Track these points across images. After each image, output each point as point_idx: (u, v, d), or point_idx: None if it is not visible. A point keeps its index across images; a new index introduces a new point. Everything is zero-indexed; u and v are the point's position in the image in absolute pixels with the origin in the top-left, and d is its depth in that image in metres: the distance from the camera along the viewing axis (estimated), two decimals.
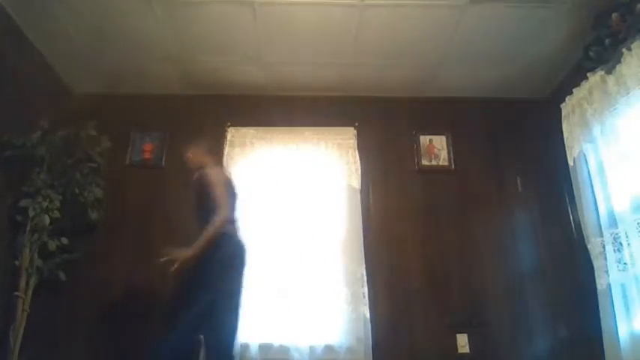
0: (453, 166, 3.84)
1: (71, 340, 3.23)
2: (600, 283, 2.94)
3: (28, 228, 3.00)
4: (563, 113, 3.46)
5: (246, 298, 3.30)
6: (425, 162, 3.86)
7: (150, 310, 3.33)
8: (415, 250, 3.58)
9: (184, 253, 2.58)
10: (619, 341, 2.73)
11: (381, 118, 3.99)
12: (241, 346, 3.16)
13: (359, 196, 3.67)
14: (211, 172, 2.85)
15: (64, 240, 3.15)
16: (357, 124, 3.91)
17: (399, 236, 3.62)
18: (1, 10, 3.06)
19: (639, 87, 2.74)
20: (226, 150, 3.80)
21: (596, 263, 2.99)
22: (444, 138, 3.92)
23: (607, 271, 2.90)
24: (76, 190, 3.22)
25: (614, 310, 2.80)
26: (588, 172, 3.19)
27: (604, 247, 2.95)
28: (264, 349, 3.19)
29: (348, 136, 3.87)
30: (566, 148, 3.39)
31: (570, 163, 3.34)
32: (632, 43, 2.79)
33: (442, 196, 3.75)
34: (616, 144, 2.94)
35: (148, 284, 3.39)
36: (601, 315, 2.88)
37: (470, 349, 3.29)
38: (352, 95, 4.04)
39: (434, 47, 3.52)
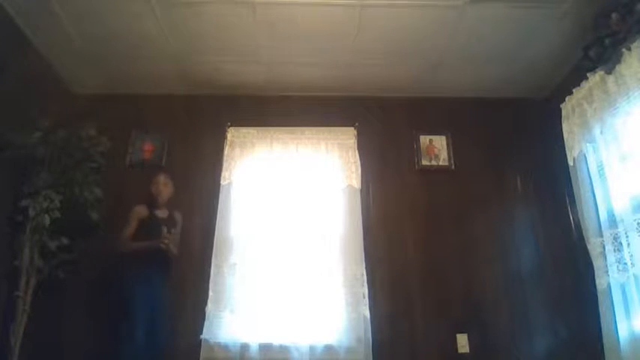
0: (452, 166, 3.84)
1: (71, 340, 3.23)
2: (600, 283, 2.94)
3: (28, 228, 3.00)
4: (563, 113, 3.46)
5: (247, 298, 3.33)
6: (425, 162, 3.86)
7: None
8: (415, 250, 3.58)
9: None
10: (619, 341, 2.73)
11: (381, 118, 4.00)
12: (241, 345, 3.18)
13: (359, 195, 3.67)
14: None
15: (64, 240, 3.15)
16: (357, 124, 3.91)
17: (399, 236, 3.62)
18: (1, 10, 3.06)
19: (639, 87, 2.75)
20: (226, 150, 3.81)
21: (596, 263, 2.99)
22: (444, 138, 3.92)
23: (607, 271, 2.90)
24: (77, 190, 3.22)
25: (614, 310, 2.80)
26: (588, 172, 3.19)
27: (604, 247, 2.94)
28: (264, 348, 3.19)
29: (348, 136, 3.87)
30: (566, 148, 3.39)
31: (570, 163, 3.34)
32: (632, 43, 2.79)
33: (442, 196, 3.75)
34: (616, 144, 2.94)
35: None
36: (601, 315, 2.88)
37: (470, 349, 3.29)
38: (352, 95, 4.04)
39: (433, 47, 3.52)
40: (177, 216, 3.37)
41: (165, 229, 3.11)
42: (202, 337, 3.21)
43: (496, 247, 3.60)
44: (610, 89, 2.97)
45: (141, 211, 3.21)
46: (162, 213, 3.27)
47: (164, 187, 3.33)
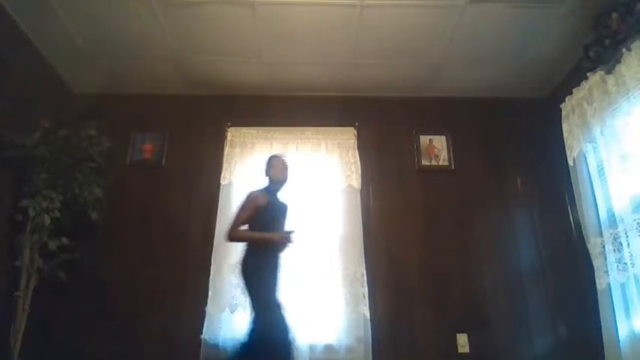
0: (453, 166, 3.84)
1: (71, 340, 3.23)
2: (600, 283, 2.94)
3: (28, 228, 3.01)
4: (563, 113, 3.47)
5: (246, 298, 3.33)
6: (425, 162, 3.86)
7: (150, 310, 3.33)
8: (415, 249, 3.58)
9: None
10: (619, 341, 2.74)
11: (381, 118, 4.00)
12: None
13: (359, 196, 3.67)
14: None
15: (64, 240, 3.15)
16: (357, 124, 3.91)
17: (399, 236, 3.62)
18: (2, 10, 3.07)
19: (639, 87, 2.75)
20: (226, 150, 3.81)
21: (596, 263, 2.99)
22: (444, 138, 3.92)
23: (607, 271, 2.90)
24: (77, 190, 3.22)
25: (614, 310, 2.80)
26: (588, 172, 3.19)
27: (604, 247, 2.95)
28: None
29: (348, 136, 3.87)
30: (566, 148, 3.40)
31: (570, 163, 3.35)
32: (631, 43, 2.80)
33: (442, 196, 3.75)
34: (616, 144, 2.94)
35: (147, 284, 3.40)
36: (601, 315, 2.88)
37: (470, 349, 3.29)
38: (352, 95, 4.04)
39: (434, 47, 3.52)
40: (289, 205, 3.03)
41: (285, 223, 2.84)
42: (202, 337, 3.20)
43: (496, 247, 3.60)
44: (610, 89, 2.98)
45: (260, 198, 2.85)
46: (279, 201, 2.94)
47: (285, 171, 3.01)
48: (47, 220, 3.02)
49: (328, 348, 3.22)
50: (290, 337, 2.63)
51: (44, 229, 3.03)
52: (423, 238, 3.62)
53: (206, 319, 3.25)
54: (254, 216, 2.81)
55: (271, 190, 2.97)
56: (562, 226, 3.58)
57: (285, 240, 2.78)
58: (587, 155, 3.22)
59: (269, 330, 2.56)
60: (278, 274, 2.77)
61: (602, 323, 2.86)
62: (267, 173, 3.02)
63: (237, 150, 3.82)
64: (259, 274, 2.70)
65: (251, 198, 2.85)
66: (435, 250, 3.58)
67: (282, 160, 3.05)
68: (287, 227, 2.95)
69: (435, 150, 3.89)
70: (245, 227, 2.84)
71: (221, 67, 3.75)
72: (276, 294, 2.71)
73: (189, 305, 3.32)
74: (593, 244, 3.03)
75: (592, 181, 3.15)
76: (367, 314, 3.30)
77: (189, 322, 3.27)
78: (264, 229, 2.81)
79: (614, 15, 2.89)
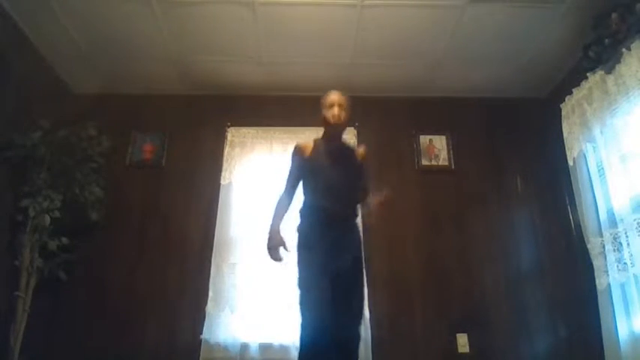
0: (452, 166, 3.84)
1: (71, 339, 3.23)
2: (600, 283, 2.94)
3: (28, 228, 3.00)
4: (563, 113, 3.47)
5: (247, 298, 3.33)
6: (425, 162, 3.86)
7: (149, 310, 3.33)
8: (415, 249, 3.58)
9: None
10: (619, 341, 2.74)
11: (381, 118, 3.99)
12: (241, 345, 3.18)
13: None
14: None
15: (64, 240, 3.15)
16: (357, 124, 3.91)
17: (399, 236, 3.62)
18: (2, 10, 3.07)
19: (639, 87, 2.75)
20: (226, 150, 3.81)
21: (596, 263, 3.00)
22: (444, 138, 3.92)
23: (607, 271, 2.91)
24: (77, 190, 3.22)
25: (614, 310, 2.81)
26: (588, 172, 3.20)
27: (604, 247, 2.95)
28: (264, 348, 3.19)
29: (348, 136, 3.85)
30: (566, 148, 3.40)
31: (570, 163, 3.35)
32: (631, 43, 2.80)
33: (442, 196, 3.75)
34: (616, 144, 2.95)
35: (147, 283, 3.40)
36: (601, 315, 2.88)
37: (470, 349, 3.29)
38: (352, 95, 4.00)
39: (434, 47, 3.52)
40: (361, 152, 2.52)
41: (347, 173, 2.28)
42: (202, 337, 3.20)
43: (496, 247, 3.60)
44: (610, 89, 2.98)
45: (301, 149, 2.34)
46: (336, 148, 2.37)
47: (341, 110, 2.36)
48: (47, 220, 3.02)
49: None
50: (324, 325, 2.07)
51: (44, 229, 3.03)
52: (422, 238, 3.62)
53: (206, 319, 3.24)
54: (303, 171, 2.34)
55: (324, 136, 2.43)
56: (562, 226, 3.58)
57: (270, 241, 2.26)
58: (587, 155, 3.22)
59: (302, 309, 2.14)
60: (328, 249, 2.22)
61: (602, 323, 2.87)
62: (324, 115, 2.39)
63: (237, 150, 3.82)
64: (300, 247, 2.28)
65: (293, 152, 2.37)
66: (435, 250, 3.58)
67: (338, 97, 2.39)
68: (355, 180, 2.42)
69: (435, 150, 3.89)
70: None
71: (221, 67, 3.75)
72: (320, 272, 2.17)
73: (189, 305, 3.32)
74: (593, 244, 3.04)
75: (592, 181, 3.15)
76: (367, 314, 3.29)
77: (189, 322, 3.27)
78: (308, 184, 2.35)
79: (614, 15, 2.89)
